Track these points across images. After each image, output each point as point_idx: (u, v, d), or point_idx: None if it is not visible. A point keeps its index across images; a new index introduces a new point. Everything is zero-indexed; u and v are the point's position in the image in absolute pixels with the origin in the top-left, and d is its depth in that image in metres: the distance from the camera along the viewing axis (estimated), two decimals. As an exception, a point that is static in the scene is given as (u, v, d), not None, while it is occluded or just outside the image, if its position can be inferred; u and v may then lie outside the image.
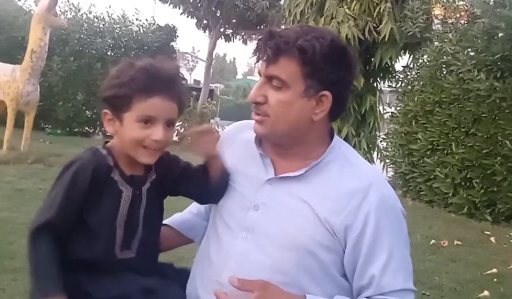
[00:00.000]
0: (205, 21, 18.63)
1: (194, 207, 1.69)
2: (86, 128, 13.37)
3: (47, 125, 12.93)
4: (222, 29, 18.84)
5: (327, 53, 1.30)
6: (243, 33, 18.98)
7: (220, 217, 1.45)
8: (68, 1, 13.85)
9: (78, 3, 13.74)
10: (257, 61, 1.36)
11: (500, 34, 6.30)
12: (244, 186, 1.43)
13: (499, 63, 6.18)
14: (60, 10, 12.94)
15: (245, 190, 1.42)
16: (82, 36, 12.94)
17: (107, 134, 13.54)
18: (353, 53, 1.42)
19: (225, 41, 19.33)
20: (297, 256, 1.32)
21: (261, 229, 1.36)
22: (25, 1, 13.98)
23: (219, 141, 1.48)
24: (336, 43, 1.35)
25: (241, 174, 1.46)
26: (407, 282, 1.33)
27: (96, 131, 13.39)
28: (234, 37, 19.24)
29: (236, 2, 16.98)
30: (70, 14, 13.65)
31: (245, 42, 19.27)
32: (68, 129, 12.89)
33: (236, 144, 1.53)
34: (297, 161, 1.40)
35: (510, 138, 5.94)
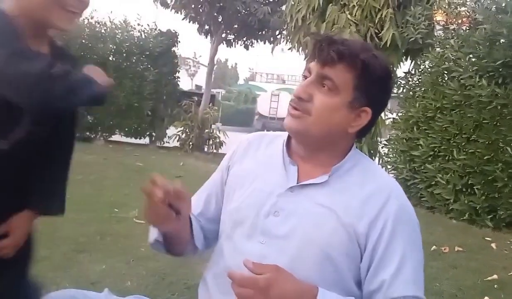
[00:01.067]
0: (206, 27, 18.64)
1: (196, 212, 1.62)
2: (88, 133, 13.36)
3: (48, 130, 12.93)
4: (223, 35, 18.85)
5: (380, 74, 1.37)
6: (244, 39, 19.00)
7: (236, 221, 1.45)
8: (70, 6, 13.88)
9: (80, 8, 13.76)
10: (313, 60, 1.38)
11: (502, 40, 6.31)
12: (265, 193, 1.43)
13: (500, 70, 6.18)
14: (62, 15, 12.97)
15: (265, 197, 1.42)
16: (83, 41, 12.94)
17: (108, 139, 13.45)
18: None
19: (227, 46, 19.33)
20: (316, 261, 1.34)
21: (280, 234, 1.37)
22: (27, 6, 14.00)
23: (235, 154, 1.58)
24: (387, 67, 1.43)
25: (263, 180, 1.46)
26: (416, 290, 1.34)
27: (98, 137, 13.39)
28: (236, 43, 19.25)
29: (237, 8, 16.99)
30: (72, 19, 13.68)
31: (246, 47, 19.28)
32: (69, 134, 12.87)
33: (261, 151, 1.55)
34: (319, 167, 1.42)
35: (512, 144, 5.95)
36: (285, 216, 1.38)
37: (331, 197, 1.38)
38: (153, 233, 1.49)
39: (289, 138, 1.50)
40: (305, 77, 1.40)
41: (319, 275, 1.33)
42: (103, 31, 13.41)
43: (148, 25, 14.14)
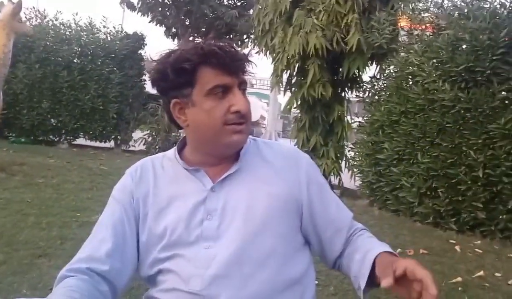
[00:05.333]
0: (173, 30, 18.56)
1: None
2: (51, 136, 13.15)
3: (11, 134, 12.71)
4: (191, 38, 18.79)
5: None
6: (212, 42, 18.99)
7: (175, 244, 1.39)
8: (34, 8, 13.67)
9: (44, 10, 13.60)
10: (239, 74, 1.41)
11: (464, 46, 6.39)
12: (188, 206, 1.41)
13: (463, 74, 6.27)
14: (26, 17, 12.78)
15: (191, 209, 1.40)
16: (48, 43, 12.77)
17: (72, 143, 13.30)
18: None
19: (194, 49, 19.30)
20: (266, 239, 1.37)
21: (221, 233, 1.37)
22: (-11, 7, 13.74)
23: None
24: None
25: (179, 197, 1.44)
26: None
27: (61, 140, 13.17)
28: (203, 46, 19.23)
29: (205, 11, 16.97)
30: (36, 20, 13.49)
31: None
32: (32, 137, 12.67)
33: (160, 175, 1.52)
34: (227, 163, 1.46)
35: (474, 148, 6.02)
36: (219, 215, 1.39)
37: (250, 178, 1.44)
38: None
39: (179, 151, 1.54)
40: (222, 92, 1.37)
41: (274, 251, 1.37)
42: (68, 33, 13.23)
43: (114, 27, 14.01)
